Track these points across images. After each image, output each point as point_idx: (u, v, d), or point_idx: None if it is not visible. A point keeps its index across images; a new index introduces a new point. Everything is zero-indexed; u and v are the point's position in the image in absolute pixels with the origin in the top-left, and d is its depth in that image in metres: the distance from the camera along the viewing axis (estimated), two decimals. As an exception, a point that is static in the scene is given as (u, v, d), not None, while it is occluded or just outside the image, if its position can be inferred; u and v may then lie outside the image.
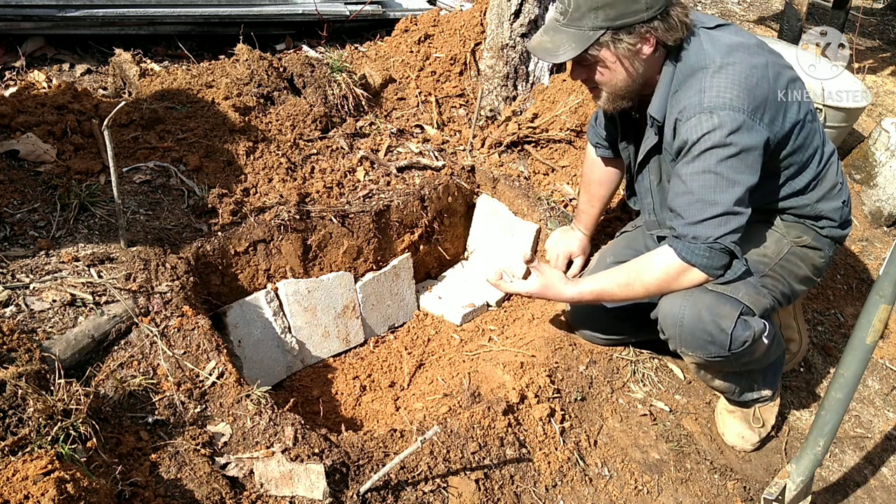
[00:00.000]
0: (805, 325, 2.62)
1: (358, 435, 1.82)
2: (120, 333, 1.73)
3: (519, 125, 2.97)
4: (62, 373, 1.52)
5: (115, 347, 1.71)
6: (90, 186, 2.08)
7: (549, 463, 1.98)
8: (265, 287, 2.30)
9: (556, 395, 2.15)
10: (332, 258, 2.47)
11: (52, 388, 1.49)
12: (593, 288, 2.01)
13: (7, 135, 2.16)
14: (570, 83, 2.98)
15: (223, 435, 1.66)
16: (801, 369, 2.66)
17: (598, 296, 2.01)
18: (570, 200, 2.85)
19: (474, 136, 2.97)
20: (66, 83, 2.53)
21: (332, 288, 2.43)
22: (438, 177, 2.76)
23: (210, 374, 1.76)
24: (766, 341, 1.94)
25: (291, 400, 1.88)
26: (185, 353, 1.78)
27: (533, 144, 2.99)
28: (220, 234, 2.17)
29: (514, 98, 3.12)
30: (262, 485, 1.57)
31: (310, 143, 2.63)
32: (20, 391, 1.42)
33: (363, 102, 2.90)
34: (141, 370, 1.70)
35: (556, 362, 2.25)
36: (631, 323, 2.30)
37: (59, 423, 1.42)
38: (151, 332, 1.76)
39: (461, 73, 3.18)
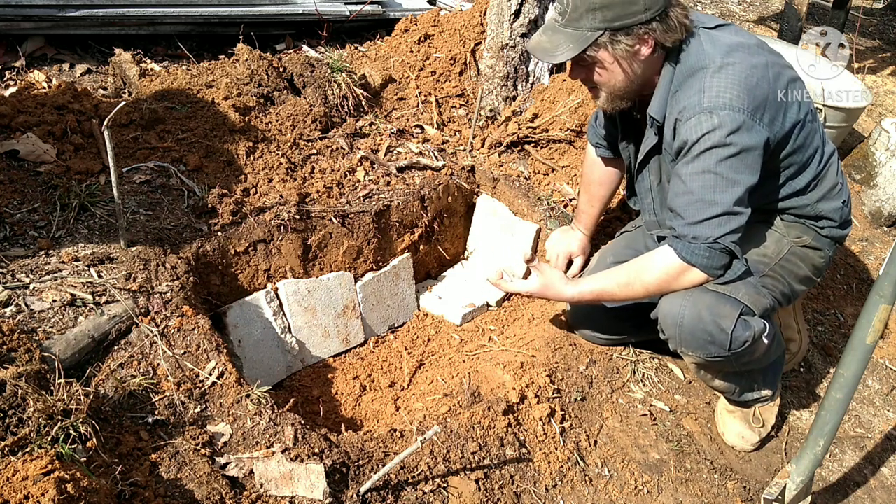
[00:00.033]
0: (805, 325, 2.62)
1: (358, 435, 1.82)
2: (120, 333, 1.73)
3: (519, 125, 2.97)
4: (62, 373, 1.52)
5: (115, 347, 1.71)
6: (90, 186, 2.08)
7: (549, 463, 1.98)
8: (265, 287, 2.30)
9: (556, 395, 2.15)
10: (332, 258, 2.47)
11: (52, 388, 1.49)
12: (593, 288, 2.01)
13: (7, 135, 2.16)
14: (570, 83, 2.98)
15: (223, 435, 1.66)
16: (801, 369, 2.66)
17: (599, 296, 2.01)
18: (570, 200, 2.85)
19: (474, 136, 2.97)
20: (66, 83, 2.53)
21: (332, 288, 2.43)
22: (438, 177, 2.76)
23: (210, 374, 1.76)
24: (766, 341, 1.94)
25: (291, 400, 1.88)
26: (185, 353, 1.78)
27: (533, 144, 2.99)
28: (220, 234, 2.17)
29: (514, 98, 3.12)
30: (262, 485, 1.57)
31: (310, 143, 2.63)
32: (20, 391, 1.42)
33: (363, 102, 2.90)
34: (141, 370, 1.70)
35: (556, 362, 2.25)
36: (631, 323, 2.30)
37: (59, 423, 1.42)
38: (151, 332, 1.76)
39: (461, 73, 3.18)
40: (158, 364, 1.72)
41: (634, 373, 2.35)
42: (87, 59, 2.91)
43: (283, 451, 1.64)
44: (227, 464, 1.59)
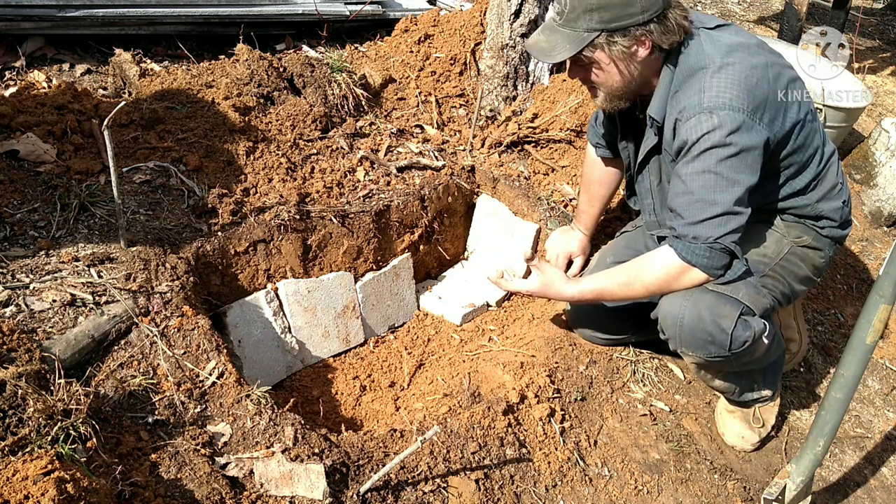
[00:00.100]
0: (805, 325, 2.62)
1: (358, 435, 1.82)
2: (120, 333, 1.73)
3: (519, 125, 2.97)
4: (62, 373, 1.52)
5: (115, 347, 1.71)
6: (90, 186, 2.08)
7: (549, 463, 1.98)
8: (265, 287, 2.30)
9: (556, 395, 2.15)
10: (332, 258, 2.47)
11: (52, 388, 1.49)
12: (594, 287, 2.01)
13: (7, 135, 2.16)
14: (570, 83, 2.98)
15: (223, 435, 1.66)
16: (801, 369, 2.66)
17: (599, 295, 2.01)
18: (570, 200, 2.85)
19: (474, 136, 2.97)
20: (66, 83, 2.53)
21: (332, 288, 2.43)
22: (438, 177, 2.76)
23: (210, 374, 1.76)
24: (766, 341, 1.94)
25: (291, 400, 1.88)
26: (185, 353, 1.78)
27: (533, 144, 2.99)
28: (220, 234, 2.17)
29: (514, 98, 3.12)
30: (262, 485, 1.57)
31: (310, 143, 2.63)
32: (20, 391, 1.42)
33: (363, 102, 2.90)
34: (141, 370, 1.70)
35: (556, 362, 2.25)
36: (631, 323, 2.30)
37: (59, 423, 1.42)
38: (151, 332, 1.76)
39: (461, 73, 3.18)
40: (158, 364, 1.72)
41: (634, 373, 2.35)
42: (87, 59, 2.91)
43: (283, 451, 1.64)
44: (227, 464, 1.59)
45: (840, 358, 1.77)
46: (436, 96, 3.10)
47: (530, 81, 3.12)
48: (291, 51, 3.30)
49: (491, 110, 3.11)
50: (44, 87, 2.59)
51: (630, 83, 1.86)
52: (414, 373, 2.48)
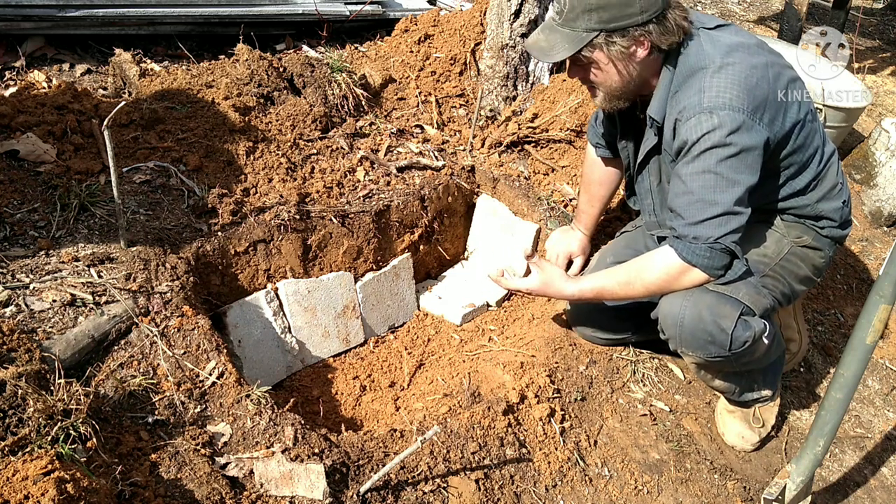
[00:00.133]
0: (805, 325, 2.62)
1: (358, 435, 1.82)
2: (120, 333, 1.73)
3: (519, 125, 2.97)
4: (62, 373, 1.52)
5: (115, 347, 1.71)
6: (90, 186, 2.08)
7: (549, 463, 1.98)
8: (265, 287, 2.30)
9: (556, 395, 2.15)
10: (332, 258, 2.47)
11: (52, 388, 1.49)
12: (594, 286, 2.01)
13: (7, 135, 2.16)
14: (570, 83, 2.98)
15: (223, 435, 1.66)
16: (801, 369, 2.66)
17: (599, 294, 2.01)
18: (570, 200, 2.85)
19: (474, 136, 2.97)
20: (66, 83, 2.53)
21: (332, 288, 2.43)
22: (438, 177, 2.76)
23: (210, 374, 1.76)
24: (766, 341, 1.94)
25: (291, 400, 1.88)
26: (185, 353, 1.78)
27: (533, 144, 2.99)
28: (220, 234, 2.17)
29: (514, 98, 3.12)
30: (262, 485, 1.57)
31: (310, 143, 2.63)
32: (20, 391, 1.42)
33: (363, 102, 2.90)
34: (141, 370, 1.70)
35: (556, 362, 2.25)
36: (631, 323, 2.30)
37: (59, 423, 1.42)
38: (151, 332, 1.76)
39: (461, 73, 3.18)
40: (158, 364, 1.72)
41: (634, 373, 2.35)
42: (87, 59, 2.91)
43: (283, 451, 1.64)
44: (227, 464, 1.59)
45: (840, 358, 1.77)
46: (436, 96, 3.10)
47: (530, 81, 3.12)
48: (291, 51, 3.30)
49: (491, 110, 3.11)
50: (44, 87, 2.59)
51: (629, 83, 1.86)
52: (414, 373, 2.48)
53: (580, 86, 2.88)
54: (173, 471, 1.53)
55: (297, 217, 2.33)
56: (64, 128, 2.25)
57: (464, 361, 2.40)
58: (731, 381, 2.17)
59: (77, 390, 1.49)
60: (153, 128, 2.40)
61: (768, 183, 1.89)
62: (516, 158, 2.95)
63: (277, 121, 2.60)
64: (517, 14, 2.95)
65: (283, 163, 2.45)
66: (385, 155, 2.76)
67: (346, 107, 2.82)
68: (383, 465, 1.71)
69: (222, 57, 3.00)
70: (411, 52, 3.21)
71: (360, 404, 2.36)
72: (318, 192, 2.46)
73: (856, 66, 4.95)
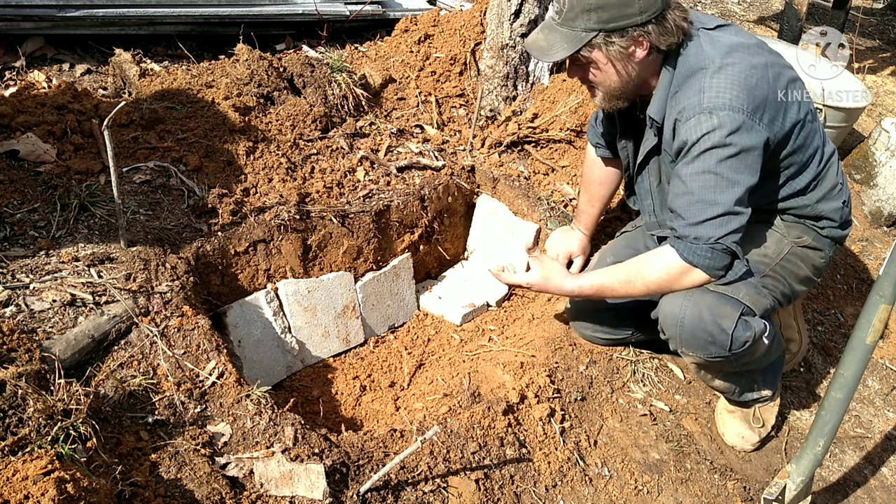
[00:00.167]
0: (805, 325, 2.62)
1: (358, 435, 1.82)
2: (120, 333, 1.73)
3: (519, 125, 2.97)
4: (62, 373, 1.52)
5: (115, 347, 1.71)
6: (90, 186, 2.08)
7: (549, 463, 1.98)
8: (265, 287, 2.30)
9: (556, 395, 2.15)
10: (332, 258, 2.47)
11: (52, 388, 1.49)
12: (594, 282, 2.01)
13: (7, 135, 2.16)
14: (570, 83, 2.98)
15: (223, 435, 1.66)
16: (801, 369, 2.66)
17: (599, 290, 2.01)
18: (570, 200, 2.85)
19: (474, 136, 2.97)
20: (66, 83, 2.53)
21: (332, 288, 2.43)
22: (438, 177, 2.76)
23: (210, 374, 1.76)
24: (766, 341, 1.94)
25: (291, 400, 1.88)
26: (185, 353, 1.78)
27: (533, 144, 2.99)
28: (220, 234, 2.17)
29: (514, 98, 3.12)
30: (262, 485, 1.57)
31: (310, 143, 2.63)
32: (20, 391, 1.42)
33: (363, 102, 2.90)
34: (141, 370, 1.70)
35: (556, 362, 2.25)
36: (631, 322, 2.30)
37: (59, 423, 1.42)
38: (151, 332, 1.76)
39: (461, 73, 3.18)
40: (158, 364, 1.72)
41: (634, 373, 2.35)
42: (87, 59, 2.91)
43: (283, 451, 1.64)
44: (227, 464, 1.59)
45: (840, 358, 1.77)
46: (436, 96, 3.10)
47: (530, 81, 3.12)
48: (291, 51, 3.30)
49: (491, 110, 3.11)
50: (44, 87, 2.59)
51: (628, 83, 1.86)
52: (414, 373, 2.48)
53: (580, 86, 2.88)
54: (173, 471, 1.53)
55: (297, 217, 2.33)
56: (64, 128, 2.25)
57: (464, 361, 2.40)
58: (731, 381, 2.17)
59: (77, 390, 1.49)
60: (153, 128, 2.40)
61: (768, 183, 1.89)
62: (516, 158, 2.95)
63: (277, 121, 2.60)
64: (517, 14, 2.95)
65: (283, 163, 2.45)
66: (385, 155, 2.76)
67: (346, 107, 2.82)
68: (383, 465, 1.71)
69: (222, 57, 3.00)
70: (411, 52, 3.21)
71: (360, 404, 2.36)
72: (318, 192, 2.46)
73: (856, 66, 4.95)
